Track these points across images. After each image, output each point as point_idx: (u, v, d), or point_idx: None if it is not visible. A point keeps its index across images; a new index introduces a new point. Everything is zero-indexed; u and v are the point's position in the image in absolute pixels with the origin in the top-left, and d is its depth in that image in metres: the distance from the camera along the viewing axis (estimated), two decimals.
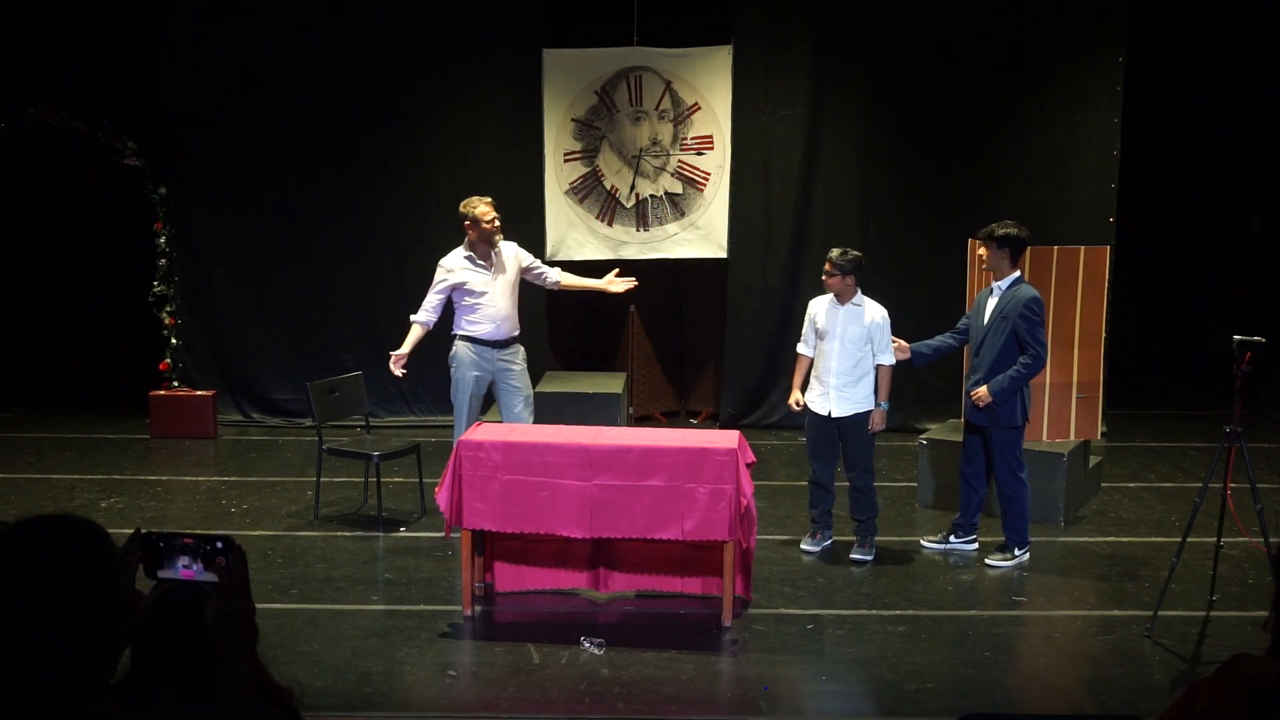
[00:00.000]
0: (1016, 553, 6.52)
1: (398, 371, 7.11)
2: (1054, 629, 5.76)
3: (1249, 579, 6.28)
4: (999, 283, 6.43)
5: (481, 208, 6.96)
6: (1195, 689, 2.40)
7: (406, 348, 7.09)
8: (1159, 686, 5.01)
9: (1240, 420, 5.37)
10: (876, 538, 6.74)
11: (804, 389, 6.73)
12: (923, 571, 6.47)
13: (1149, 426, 9.86)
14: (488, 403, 7.34)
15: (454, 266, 7.03)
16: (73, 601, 1.84)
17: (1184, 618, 5.73)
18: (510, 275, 7.11)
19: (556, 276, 7.34)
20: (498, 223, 7.00)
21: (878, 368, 6.54)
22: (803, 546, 6.82)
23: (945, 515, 7.42)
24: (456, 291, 7.04)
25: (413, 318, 7.13)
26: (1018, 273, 6.42)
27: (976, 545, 6.72)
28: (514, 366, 7.12)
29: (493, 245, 7.03)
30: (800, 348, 6.80)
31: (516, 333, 7.16)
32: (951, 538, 6.74)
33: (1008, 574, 6.42)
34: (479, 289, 7.01)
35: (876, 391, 6.55)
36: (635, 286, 7.40)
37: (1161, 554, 6.54)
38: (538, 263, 7.35)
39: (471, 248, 7.03)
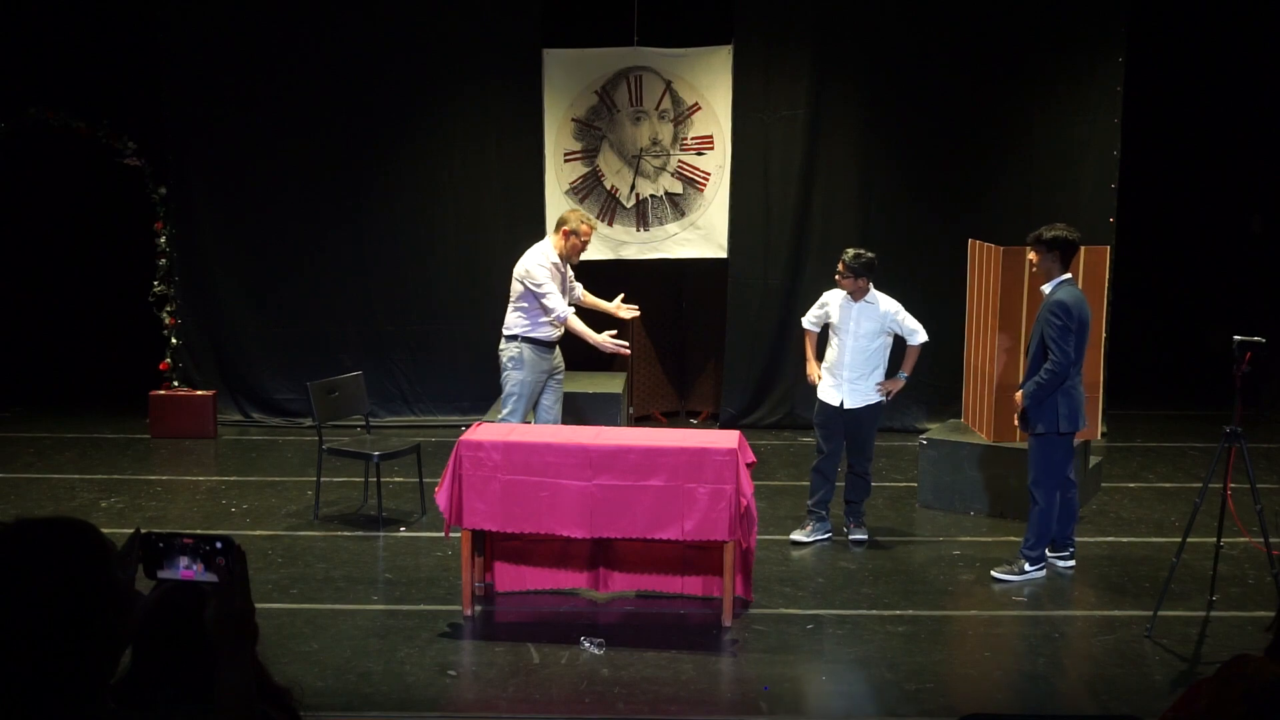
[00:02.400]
0: (1028, 569, 6.26)
1: (617, 345, 7.20)
2: (1054, 629, 5.76)
3: (1249, 579, 6.28)
4: (1045, 286, 6.28)
5: (587, 227, 7.21)
6: (1195, 689, 2.40)
7: (593, 333, 7.18)
8: (1159, 686, 5.01)
9: (1240, 420, 5.37)
10: (877, 537, 6.93)
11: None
12: (923, 571, 6.47)
13: (1149, 426, 9.85)
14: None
15: (549, 265, 7.15)
16: (68, 603, 1.84)
17: (1184, 618, 5.73)
18: (570, 279, 7.40)
19: (580, 294, 7.49)
20: (590, 234, 7.29)
21: (911, 347, 6.82)
22: (792, 536, 6.95)
23: (945, 516, 7.43)
24: (532, 293, 7.11)
25: (569, 314, 7.09)
26: (1064, 276, 6.21)
27: (1074, 562, 6.49)
28: (561, 366, 7.39)
29: (574, 260, 7.30)
30: (806, 322, 7.02)
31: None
32: (1047, 554, 6.46)
33: None
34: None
35: (903, 365, 6.86)
36: (638, 315, 7.50)
37: (1161, 554, 6.54)
38: (572, 276, 7.49)
39: (559, 255, 7.19)
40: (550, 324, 7.13)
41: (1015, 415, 6.35)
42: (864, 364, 6.73)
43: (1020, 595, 6.14)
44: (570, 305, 7.27)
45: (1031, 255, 6.34)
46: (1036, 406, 6.13)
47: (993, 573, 6.35)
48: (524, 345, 7.14)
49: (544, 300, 7.06)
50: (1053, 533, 6.34)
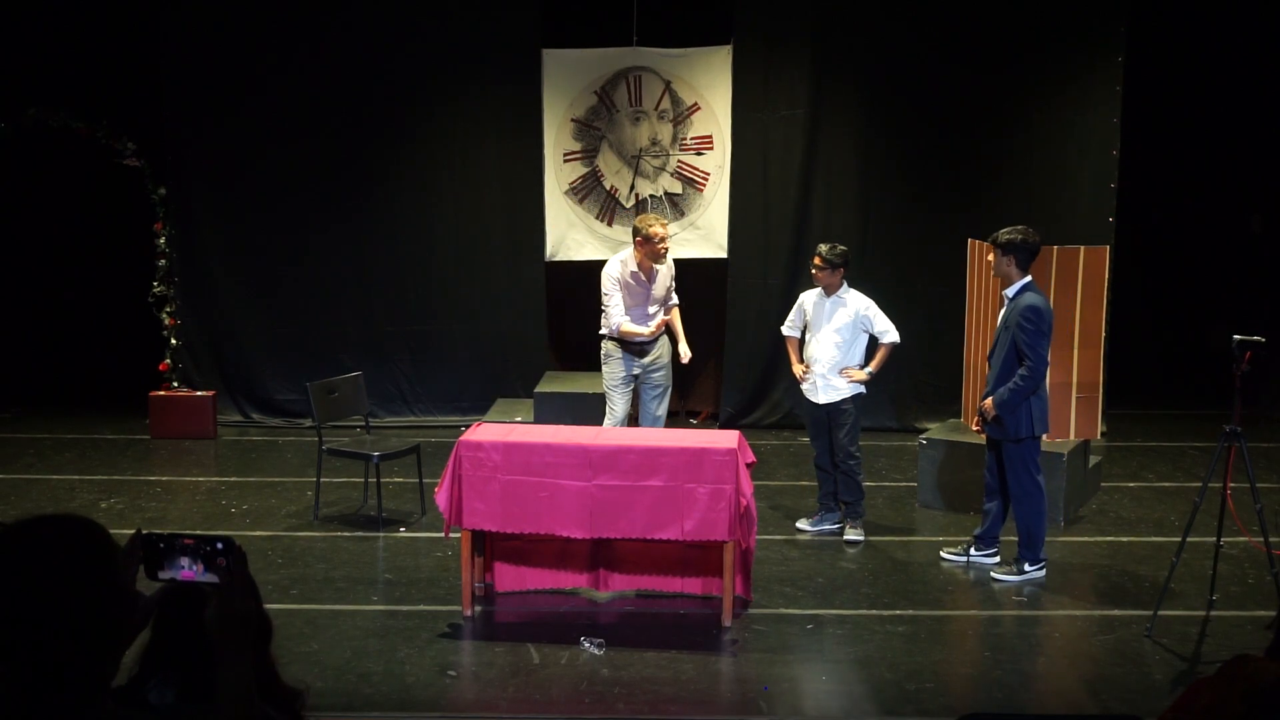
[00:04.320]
0: (1027, 568, 6.26)
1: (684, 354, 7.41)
2: (1054, 629, 5.76)
3: (1249, 579, 6.28)
4: (1006, 290, 6.26)
5: (657, 229, 7.20)
6: (1195, 689, 2.40)
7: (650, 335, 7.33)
8: (1159, 686, 5.01)
9: (1240, 420, 5.37)
10: (877, 537, 6.92)
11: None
12: (923, 571, 6.47)
13: (1149, 426, 9.85)
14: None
15: (618, 275, 7.28)
16: (74, 601, 1.84)
17: (1184, 618, 5.73)
18: (663, 288, 7.40)
19: (671, 314, 7.48)
20: (665, 240, 7.24)
21: (882, 346, 6.84)
22: (797, 524, 7.09)
23: (944, 516, 7.44)
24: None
25: (619, 325, 7.24)
26: (1026, 279, 6.21)
27: (998, 559, 6.50)
28: (662, 361, 7.41)
29: (658, 263, 7.31)
30: (785, 329, 7.15)
31: (661, 335, 7.43)
32: (972, 550, 6.54)
33: None
34: (634, 298, 7.31)
35: (872, 361, 6.89)
36: (687, 361, 7.56)
37: (1161, 554, 6.54)
38: (673, 292, 7.51)
39: (639, 264, 7.27)
40: (639, 325, 7.29)
41: (978, 420, 6.39)
42: (837, 360, 6.81)
43: (1020, 595, 6.14)
44: (657, 315, 7.38)
45: (989, 257, 6.34)
46: (1011, 412, 6.13)
47: (992, 574, 6.36)
48: (611, 343, 7.33)
49: (604, 308, 7.28)
50: (1045, 529, 6.34)
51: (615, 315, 7.27)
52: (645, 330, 7.28)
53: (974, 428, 6.63)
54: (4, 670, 1.82)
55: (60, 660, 1.83)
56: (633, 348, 7.34)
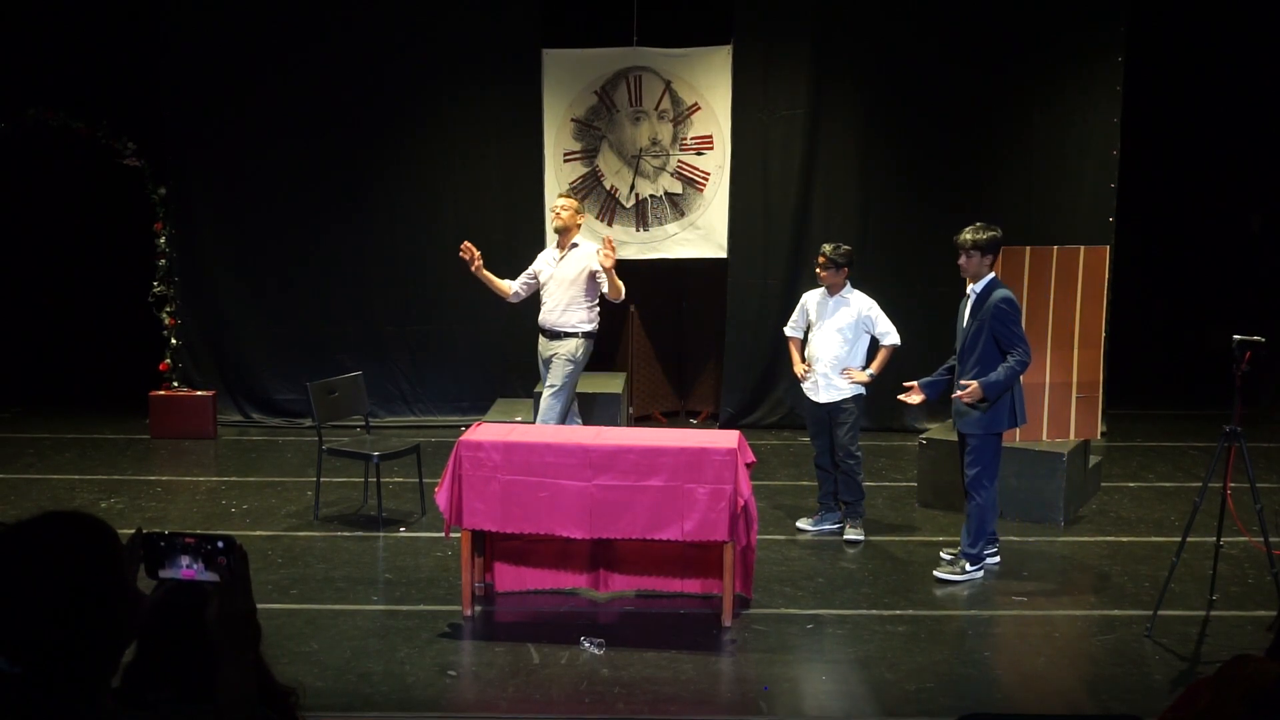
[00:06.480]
0: (968, 568, 6.24)
1: (468, 255, 7.32)
2: (1054, 629, 5.76)
3: (1249, 579, 6.28)
4: (975, 286, 6.23)
5: (556, 199, 7.54)
6: (1195, 689, 2.40)
7: (485, 273, 7.45)
8: (1159, 686, 5.01)
9: (1240, 420, 5.37)
10: (877, 537, 6.92)
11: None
12: (923, 571, 6.47)
13: (1149, 426, 9.85)
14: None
15: (542, 254, 7.67)
16: (81, 600, 1.84)
17: (1184, 618, 5.73)
18: (569, 273, 7.39)
19: (605, 287, 7.39)
20: (557, 215, 7.39)
21: (883, 348, 6.86)
22: (798, 524, 7.10)
23: (945, 516, 7.44)
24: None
25: (513, 288, 7.64)
26: (993, 274, 6.23)
27: (998, 559, 6.48)
28: (556, 357, 7.40)
29: (562, 239, 7.45)
30: (787, 330, 7.17)
31: (562, 329, 7.39)
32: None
33: (1007, 574, 6.39)
34: (542, 279, 7.50)
35: (873, 363, 6.90)
36: (610, 250, 7.19)
37: (1161, 554, 6.54)
38: (601, 273, 7.32)
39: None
40: (541, 307, 7.49)
41: (960, 412, 6.30)
42: (839, 359, 6.82)
43: (1020, 595, 6.14)
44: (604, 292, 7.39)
45: (964, 260, 6.22)
46: (998, 397, 6.12)
47: (935, 573, 6.30)
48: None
49: None
50: (992, 526, 6.33)
51: (512, 285, 7.61)
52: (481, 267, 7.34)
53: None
54: (8, 668, 1.82)
55: (64, 658, 1.83)
56: (541, 330, 7.51)
